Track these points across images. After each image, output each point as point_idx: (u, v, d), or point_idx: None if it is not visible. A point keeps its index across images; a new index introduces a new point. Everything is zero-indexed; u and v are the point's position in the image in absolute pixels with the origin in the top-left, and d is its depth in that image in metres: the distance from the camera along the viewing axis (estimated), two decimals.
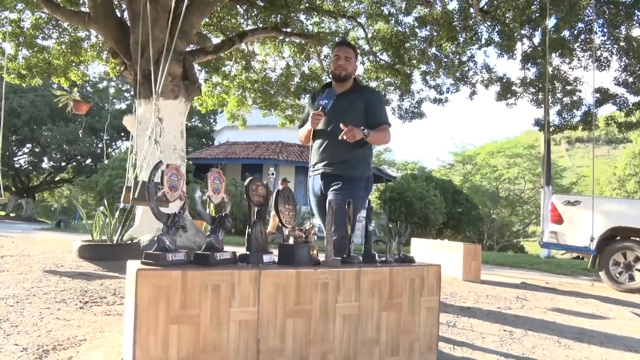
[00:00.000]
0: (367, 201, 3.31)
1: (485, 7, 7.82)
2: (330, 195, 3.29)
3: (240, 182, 19.50)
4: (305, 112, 3.66)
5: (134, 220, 6.26)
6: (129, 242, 5.65)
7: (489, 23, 8.38)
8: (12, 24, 10.04)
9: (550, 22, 8.71)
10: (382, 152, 43.88)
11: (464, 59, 11.79)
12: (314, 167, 3.45)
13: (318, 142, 3.41)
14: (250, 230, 2.23)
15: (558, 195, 8.29)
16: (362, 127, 3.16)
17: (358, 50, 12.17)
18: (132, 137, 5.90)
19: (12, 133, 30.47)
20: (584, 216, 7.64)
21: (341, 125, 3.09)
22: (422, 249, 7.85)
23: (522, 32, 9.16)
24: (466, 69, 12.02)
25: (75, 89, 8.89)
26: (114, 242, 5.62)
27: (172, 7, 4.82)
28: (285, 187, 2.59)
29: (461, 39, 9.78)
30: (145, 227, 6.01)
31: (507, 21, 8.16)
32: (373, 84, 12.95)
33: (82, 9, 6.83)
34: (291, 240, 2.32)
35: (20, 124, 29.57)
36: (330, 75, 3.49)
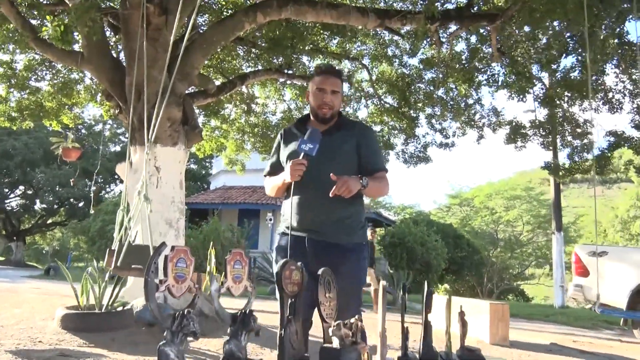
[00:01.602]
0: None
1: (502, 47, 7.41)
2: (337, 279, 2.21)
3: (237, 228, 18.87)
4: (274, 156, 2.80)
5: (127, 280, 5.65)
6: (120, 308, 5.02)
7: (505, 64, 7.97)
8: (4, 65, 9.65)
9: (564, 62, 8.36)
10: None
11: (471, 101, 11.45)
12: (291, 229, 2.55)
13: (297, 197, 2.56)
14: (282, 331, 1.66)
15: (583, 245, 7.77)
16: (359, 176, 2.48)
17: (361, 92, 11.86)
18: (125, 187, 5.35)
19: (5, 175, 29.92)
20: (612, 268, 7.08)
21: (331, 175, 2.33)
22: (442, 307, 7.21)
23: (535, 73, 8.78)
24: (473, 112, 11.66)
25: (70, 134, 8.39)
26: (103, 309, 4.99)
27: (171, 46, 4.35)
28: (325, 269, 2.02)
29: (477, 81, 9.38)
30: (138, 287, 5.40)
31: (524, 62, 7.77)
32: (377, 128, 12.54)
33: (76, 47, 6.41)
34: (335, 342, 1.72)
35: (13, 166, 29.04)
36: (311, 114, 2.70)
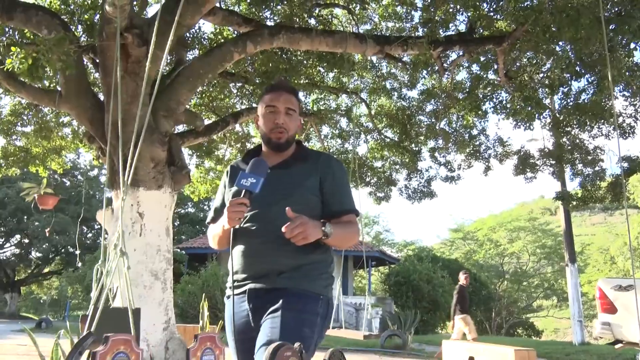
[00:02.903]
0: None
1: (509, 72, 7.01)
2: (265, 326, 1.94)
3: None
4: (218, 198, 2.33)
5: None
6: None
7: (512, 90, 7.56)
8: None
9: (574, 84, 7.96)
10: (381, 232, 42.83)
11: (475, 132, 11.04)
12: (235, 284, 2.10)
13: (241, 245, 2.09)
14: None
15: (606, 279, 7.22)
16: (322, 221, 2.00)
17: (360, 127, 11.44)
18: (102, 238, 4.83)
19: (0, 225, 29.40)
20: None
21: (287, 210, 1.86)
22: (460, 354, 6.60)
23: (543, 97, 8.36)
24: (478, 143, 11.24)
25: (45, 181, 7.89)
26: None
27: (156, 80, 3.90)
28: (335, 351, 1.50)
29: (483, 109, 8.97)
30: None
31: (532, 86, 7.36)
32: (378, 164, 12.09)
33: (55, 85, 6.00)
34: None
35: (6, 215, 28.50)
36: (262, 142, 2.25)
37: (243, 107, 9.63)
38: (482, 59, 8.76)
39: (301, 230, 1.84)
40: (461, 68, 9.35)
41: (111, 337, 1.10)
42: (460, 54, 7.43)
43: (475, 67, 9.29)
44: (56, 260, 33.01)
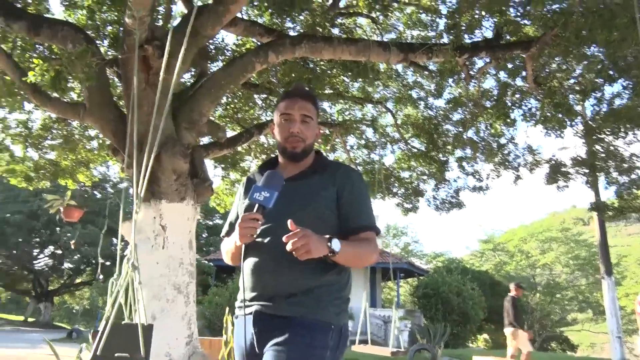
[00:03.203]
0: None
1: (538, 78, 6.81)
2: (267, 358, 1.84)
3: None
4: (233, 211, 2.24)
5: None
6: None
7: (541, 96, 7.35)
8: (21, 125, 9.45)
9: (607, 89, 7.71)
10: (409, 243, 42.40)
11: (503, 141, 10.81)
12: (245, 304, 1.99)
13: (252, 261, 1.97)
14: None
15: None
16: (327, 236, 1.81)
17: (386, 137, 11.30)
18: (129, 251, 4.80)
19: (33, 236, 29.95)
20: None
21: (289, 223, 1.73)
22: None
23: (574, 103, 8.11)
24: (506, 152, 10.99)
25: (69, 193, 7.96)
26: None
27: (170, 90, 3.87)
28: None
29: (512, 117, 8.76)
30: None
31: (563, 92, 7.14)
32: (405, 174, 11.91)
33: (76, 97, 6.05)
34: None
35: (39, 227, 29.06)
36: (279, 152, 2.15)
37: (267, 118, 9.62)
38: (509, 65, 8.58)
39: (304, 242, 1.70)
40: (488, 75, 9.16)
41: None
42: (487, 60, 7.27)
43: (502, 75, 9.11)
44: (87, 271, 33.50)
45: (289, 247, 1.70)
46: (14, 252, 30.58)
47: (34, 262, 32.74)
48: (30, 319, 35.70)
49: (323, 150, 11.11)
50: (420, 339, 14.58)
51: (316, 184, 2.03)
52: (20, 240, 29.30)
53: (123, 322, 3.27)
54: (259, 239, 1.94)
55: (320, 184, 2.03)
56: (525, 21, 6.80)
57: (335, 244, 1.80)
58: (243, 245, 1.90)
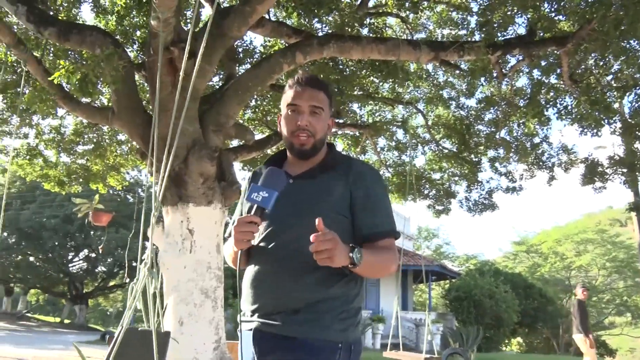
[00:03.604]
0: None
1: (574, 74, 6.57)
2: None
3: None
4: (237, 209, 2.03)
5: None
6: None
7: (577, 94, 7.10)
8: (54, 131, 9.62)
9: None
10: (441, 245, 41.90)
11: (537, 140, 10.53)
12: (246, 317, 1.80)
13: (252, 269, 1.78)
14: None
15: None
16: (350, 245, 1.60)
17: (417, 138, 11.12)
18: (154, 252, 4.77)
19: (68, 240, 30.52)
20: None
21: (317, 222, 1.50)
22: None
23: (612, 101, 7.82)
24: (540, 151, 10.71)
25: (97, 197, 8.01)
26: None
27: (189, 91, 3.82)
28: None
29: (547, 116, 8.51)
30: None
31: (600, 89, 6.88)
32: (437, 176, 11.72)
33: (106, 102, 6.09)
34: None
35: (74, 230, 29.59)
36: (285, 146, 1.91)
37: None
38: (543, 63, 8.34)
39: (330, 247, 1.49)
40: (521, 74, 8.93)
41: None
42: (520, 58, 7.07)
43: (536, 72, 8.87)
44: (120, 274, 33.99)
45: (314, 247, 1.49)
46: (50, 255, 31.19)
47: (69, 265, 33.35)
48: (66, 321, 36.40)
49: (353, 152, 11.03)
50: (452, 343, 14.31)
51: (327, 183, 1.78)
52: (56, 243, 29.87)
53: (140, 328, 3.20)
54: (262, 244, 1.75)
55: (331, 183, 1.78)
56: (560, 16, 6.59)
57: (357, 255, 1.59)
58: (240, 252, 1.68)
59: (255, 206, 1.63)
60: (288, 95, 1.84)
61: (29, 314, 38.60)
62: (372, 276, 1.81)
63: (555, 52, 6.33)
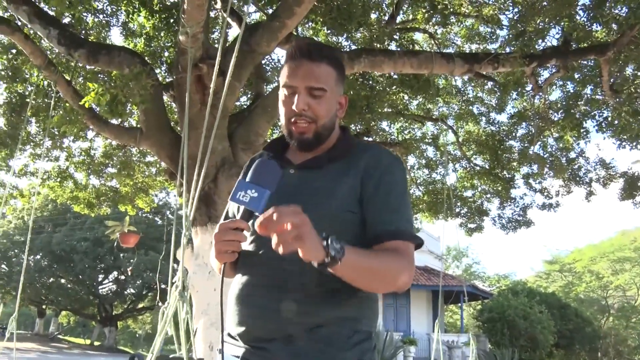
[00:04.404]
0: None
1: (615, 85, 6.33)
2: None
3: None
4: (226, 211, 1.64)
5: None
6: None
7: (617, 105, 6.85)
8: (83, 153, 9.71)
9: None
10: (470, 265, 41.13)
11: (573, 155, 10.23)
12: (227, 340, 1.45)
13: (240, 282, 1.43)
14: None
15: None
16: (323, 234, 1.16)
17: (448, 156, 10.91)
18: (185, 275, 4.66)
19: (97, 262, 30.81)
20: None
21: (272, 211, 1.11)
22: None
23: None
24: (577, 166, 10.40)
25: (127, 219, 7.98)
26: None
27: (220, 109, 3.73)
28: None
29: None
30: None
31: None
32: (468, 193, 11.45)
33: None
34: None
35: (104, 253, 29.88)
36: (286, 137, 1.51)
37: None
38: (576, 75, 8.12)
39: (298, 222, 1.10)
40: (554, 87, 8.71)
41: None
42: (554, 70, 6.86)
43: (569, 85, 8.64)
44: (149, 296, 34.15)
45: (272, 225, 1.10)
46: (80, 277, 31.50)
47: (99, 287, 33.63)
48: (96, 343, 36.69)
49: None
50: None
51: (335, 174, 1.42)
52: (86, 266, 30.17)
53: (171, 356, 3.06)
54: (251, 250, 1.40)
55: (340, 174, 1.43)
56: (596, 25, 6.39)
57: (336, 246, 1.15)
58: (224, 266, 1.29)
59: (242, 210, 1.24)
60: (283, 73, 1.48)
61: (60, 336, 39.03)
62: (370, 286, 1.34)
63: (593, 61, 6.11)
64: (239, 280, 1.43)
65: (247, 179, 1.26)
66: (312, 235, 1.12)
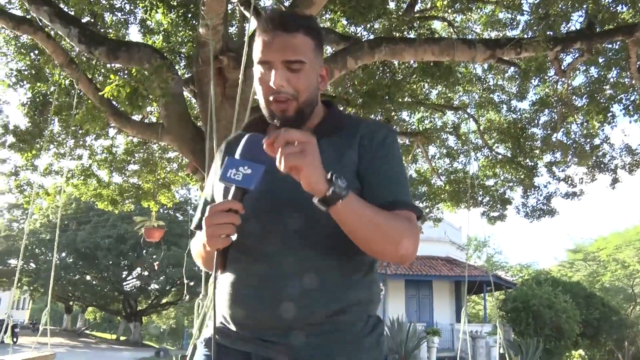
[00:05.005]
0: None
1: None
2: None
3: None
4: (206, 190, 1.52)
5: None
6: None
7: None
8: (106, 151, 9.80)
9: None
10: (492, 254, 40.78)
11: (597, 141, 10.06)
12: (223, 331, 1.33)
13: (235, 271, 1.30)
14: None
15: None
16: (330, 172, 1.10)
17: (469, 144, 10.79)
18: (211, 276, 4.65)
19: (121, 259, 31.19)
20: None
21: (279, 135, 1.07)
22: None
23: None
24: (601, 153, 10.22)
25: (154, 213, 8.04)
26: None
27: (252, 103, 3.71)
28: None
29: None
30: None
31: None
32: (490, 182, 11.33)
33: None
34: None
35: (127, 250, 30.25)
36: (266, 117, 1.36)
37: None
38: (600, 60, 7.96)
39: (305, 139, 1.07)
40: (577, 72, 8.55)
41: None
42: (578, 55, 6.72)
43: (593, 70, 8.48)
44: (172, 291, 34.50)
45: (280, 139, 1.06)
46: (105, 274, 31.94)
47: (123, 283, 34.05)
48: (122, 338, 37.21)
49: (404, 162, 10.75)
50: (513, 356, 13.73)
51: (330, 151, 1.31)
52: (110, 262, 30.57)
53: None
54: (243, 238, 1.19)
55: (333, 150, 1.32)
56: (621, 7, 6.24)
57: (342, 184, 1.09)
58: (217, 252, 1.15)
59: (233, 188, 1.13)
60: (256, 48, 1.34)
61: (87, 331, 39.69)
62: (367, 240, 1.22)
63: (620, 44, 5.97)
64: (234, 273, 1.30)
65: (238, 155, 1.15)
66: (315, 156, 1.07)
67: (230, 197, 1.12)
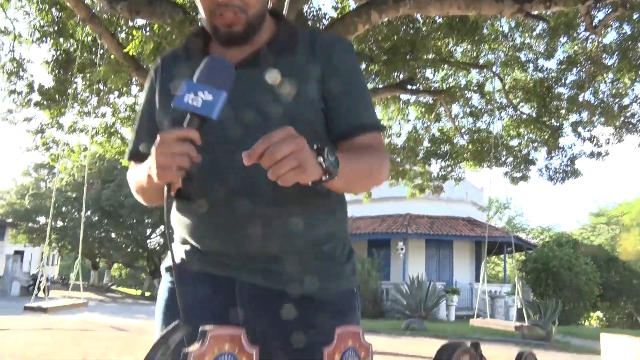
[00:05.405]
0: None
1: None
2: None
3: (367, 259, 18.04)
4: (142, 115, 1.33)
5: None
6: None
7: None
8: (129, 109, 9.87)
9: None
10: (513, 217, 40.65)
11: (626, 101, 9.83)
12: (195, 260, 1.24)
13: (192, 214, 1.22)
14: None
15: None
16: (315, 146, 0.95)
17: (494, 103, 10.61)
18: None
19: (145, 217, 31.73)
20: None
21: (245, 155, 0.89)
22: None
23: None
24: (630, 113, 10.00)
25: None
26: None
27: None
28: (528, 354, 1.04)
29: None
30: None
31: None
32: (514, 142, 11.18)
33: None
34: None
35: (150, 208, 30.69)
36: (210, 32, 1.19)
37: (369, 87, 9.33)
38: (635, 16, 7.69)
39: (295, 148, 0.89)
40: (609, 29, 8.28)
41: (210, 331, 0.76)
42: (611, 10, 6.50)
43: (626, 27, 8.21)
44: None
45: (266, 159, 0.88)
46: (130, 232, 32.57)
47: (147, 241, 34.72)
48: (146, 294, 38.13)
49: (427, 120, 10.69)
50: (532, 315, 13.82)
51: (289, 70, 1.17)
52: (134, 221, 31.12)
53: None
54: (200, 173, 1.06)
55: (292, 68, 1.18)
56: None
57: (331, 158, 0.98)
58: (167, 187, 0.97)
59: (189, 115, 0.96)
60: None
61: (113, 287, 40.77)
62: (358, 189, 1.24)
63: None
64: (191, 213, 1.22)
65: (195, 79, 0.99)
66: (311, 158, 0.94)
67: (186, 124, 0.96)
